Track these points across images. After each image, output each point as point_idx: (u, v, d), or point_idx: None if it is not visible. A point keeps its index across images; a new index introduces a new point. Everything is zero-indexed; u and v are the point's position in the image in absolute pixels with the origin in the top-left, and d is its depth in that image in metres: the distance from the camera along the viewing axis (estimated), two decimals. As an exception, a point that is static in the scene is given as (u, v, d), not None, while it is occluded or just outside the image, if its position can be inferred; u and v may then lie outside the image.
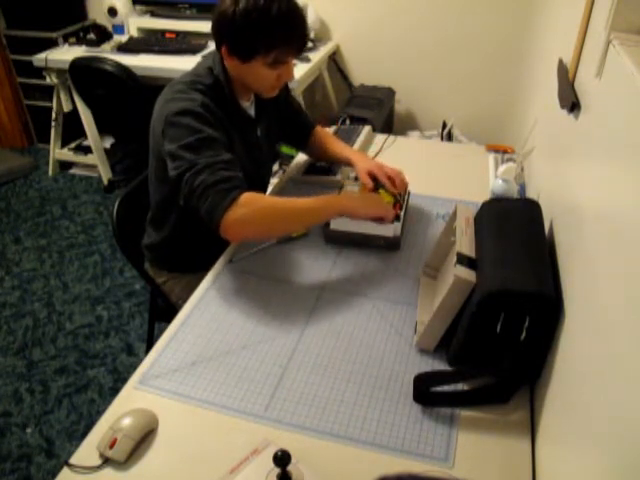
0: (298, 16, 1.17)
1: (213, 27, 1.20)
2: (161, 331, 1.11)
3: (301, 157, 1.78)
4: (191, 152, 1.11)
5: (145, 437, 0.89)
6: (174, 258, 1.47)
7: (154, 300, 1.62)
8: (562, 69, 1.34)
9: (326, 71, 2.92)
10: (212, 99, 1.21)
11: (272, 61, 1.18)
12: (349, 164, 1.50)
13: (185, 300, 1.20)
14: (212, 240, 1.19)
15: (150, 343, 1.73)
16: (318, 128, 1.60)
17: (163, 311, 1.53)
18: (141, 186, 1.46)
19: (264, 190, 1.54)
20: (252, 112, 1.38)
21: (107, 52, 2.72)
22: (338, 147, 1.55)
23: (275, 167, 2.82)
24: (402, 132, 2.80)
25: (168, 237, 1.42)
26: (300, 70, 2.50)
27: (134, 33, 3.02)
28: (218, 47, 1.22)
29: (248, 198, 1.10)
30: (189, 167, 1.10)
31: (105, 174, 3.09)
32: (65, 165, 3.28)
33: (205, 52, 2.75)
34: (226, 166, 1.12)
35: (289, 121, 1.55)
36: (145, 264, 1.51)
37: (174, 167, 1.13)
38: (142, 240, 1.50)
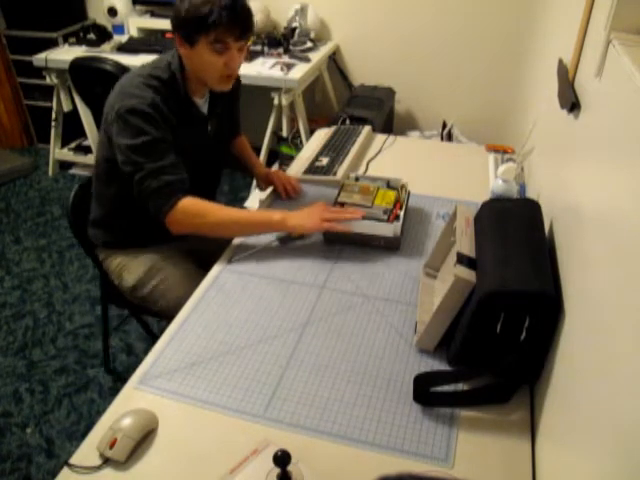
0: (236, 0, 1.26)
1: (171, 22, 1.31)
2: (161, 331, 1.11)
3: (301, 157, 1.78)
4: (137, 154, 1.24)
5: (145, 437, 0.89)
6: (112, 233, 1.49)
7: (104, 282, 1.65)
8: (562, 69, 1.34)
9: (326, 71, 2.93)
10: (165, 95, 1.29)
11: (213, 40, 1.25)
12: (253, 169, 1.68)
13: (119, 277, 1.45)
14: (149, 218, 1.31)
15: (106, 328, 1.82)
16: (242, 137, 1.72)
17: (111, 293, 1.60)
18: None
19: (215, 186, 1.63)
20: (205, 109, 1.44)
21: (107, 52, 2.72)
22: (251, 157, 1.71)
23: (275, 167, 2.82)
24: (402, 132, 2.81)
25: (107, 213, 1.46)
26: (300, 70, 2.50)
27: (134, 33, 3.02)
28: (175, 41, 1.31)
29: (185, 204, 1.26)
30: (136, 170, 1.25)
31: (105, 174, 3.09)
32: (65, 165, 3.28)
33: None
34: (169, 170, 1.26)
35: None
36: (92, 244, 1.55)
37: (122, 163, 1.27)
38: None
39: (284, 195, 1.57)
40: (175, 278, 1.42)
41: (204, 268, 1.32)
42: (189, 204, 1.27)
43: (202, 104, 1.42)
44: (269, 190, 1.62)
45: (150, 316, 1.70)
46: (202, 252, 1.50)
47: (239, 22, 1.26)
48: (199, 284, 1.24)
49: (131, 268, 1.46)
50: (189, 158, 1.34)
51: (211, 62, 1.28)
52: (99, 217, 1.48)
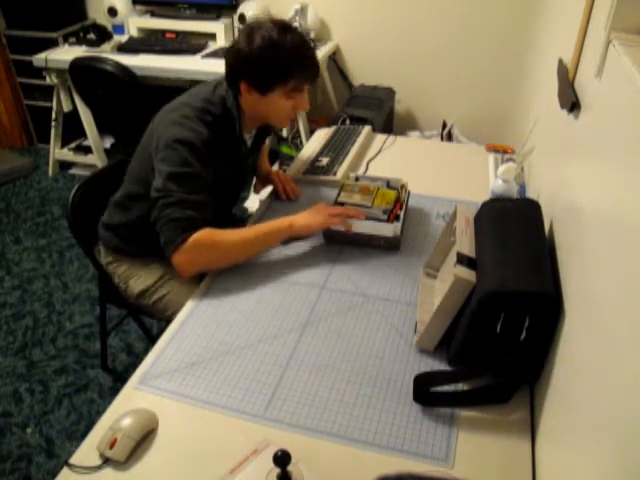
0: (309, 46, 1.29)
1: (229, 66, 1.28)
2: (161, 331, 1.11)
3: (301, 157, 1.78)
4: (173, 182, 1.20)
5: (145, 437, 0.89)
6: (127, 242, 1.47)
7: (102, 283, 1.66)
8: (562, 69, 1.34)
9: (326, 71, 2.93)
10: (218, 132, 1.28)
11: (290, 89, 1.27)
12: (259, 171, 1.69)
13: (126, 283, 1.45)
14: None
15: (104, 328, 1.83)
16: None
17: (110, 294, 1.60)
18: (97, 178, 1.56)
19: (234, 203, 1.63)
20: (249, 143, 1.46)
21: (107, 52, 2.72)
22: (262, 162, 1.70)
23: (275, 167, 2.82)
24: (402, 132, 2.81)
25: (127, 223, 1.44)
26: (300, 70, 2.49)
27: (134, 33, 3.02)
28: (233, 83, 1.29)
29: (197, 240, 1.19)
30: (165, 195, 1.20)
31: (105, 174, 3.09)
32: (65, 165, 3.28)
33: (206, 51, 2.76)
34: (196, 206, 1.21)
35: None
36: (98, 243, 1.54)
37: (155, 188, 1.23)
38: (101, 217, 1.51)
39: (284, 196, 1.56)
40: (182, 289, 1.41)
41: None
42: (201, 237, 1.19)
43: (248, 139, 1.44)
44: (268, 190, 1.62)
45: (149, 318, 1.70)
46: None
47: (314, 67, 1.28)
48: None
49: (140, 276, 1.47)
50: (224, 190, 1.37)
51: (283, 107, 1.30)
52: (117, 224, 1.46)
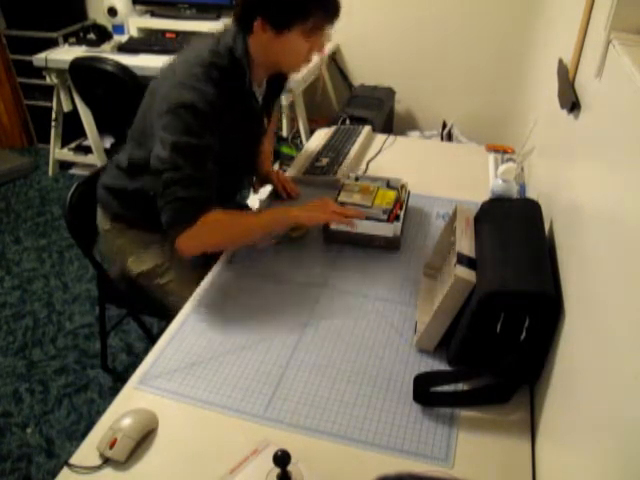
0: None
1: (244, 3, 1.19)
2: (161, 331, 1.11)
3: (301, 157, 1.78)
4: (179, 155, 1.13)
5: (145, 437, 0.89)
6: (127, 208, 1.41)
7: (101, 282, 1.67)
8: (562, 69, 1.34)
9: (326, 71, 2.92)
10: (225, 87, 1.19)
11: (310, 29, 1.18)
12: (259, 171, 1.62)
13: (123, 258, 1.42)
14: None
15: (103, 327, 1.85)
16: (269, 136, 1.64)
17: (109, 293, 1.65)
18: (95, 178, 1.52)
19: (254, 159, 1.53)
20: (260, 97, 1.37)
21: (107, 52, 2.72)
22: (263, 151, 1.61)
23: (275, 167, 2.82)
24: (402, 132, 2.80)
25: (130, 190, 1.37)
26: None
27: (134, 33, 3.02)
28: (246, 22, 1.20)
29: (204, 223, 1.14)
30: (171, 168, 1.13)
31: (105, 174, 3.09)
32: (65, 165, 3.28)
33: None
34: (203, 184, 1.15)
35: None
36: (98, 207, 1.49)
37: (159, 157, 1.14)
38: (102, 177, 1.46)
39: (284, 195, 1.56)
40: (184, 279, 1.40)
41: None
42: (210, 220, 1.15)
43: (259, 94, 1.34)
44: (268, 189, 1.62)
45: (148, 316, 1.71)
46: None
47: (336, 5, 1.19)
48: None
49: (139, 255, 1.43)
50: (239, 153, 1.30)
51: (299, 49, 1.21)
52: (119, 188, 1.39)
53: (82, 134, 3.10)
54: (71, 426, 1.74)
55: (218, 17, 2.92)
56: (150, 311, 1.68)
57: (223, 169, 1.23)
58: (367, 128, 1.91)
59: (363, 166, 1.72)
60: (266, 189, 1.64)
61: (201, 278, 1.27)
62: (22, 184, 3.15)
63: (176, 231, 1.15)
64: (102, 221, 1.48)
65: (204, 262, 1.33)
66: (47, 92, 3.10)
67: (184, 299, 1.20)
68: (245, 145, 1.39)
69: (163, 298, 1.44)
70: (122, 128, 3.03)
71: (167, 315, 1.23)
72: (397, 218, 1.31)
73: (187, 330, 1.11)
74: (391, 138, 1.91)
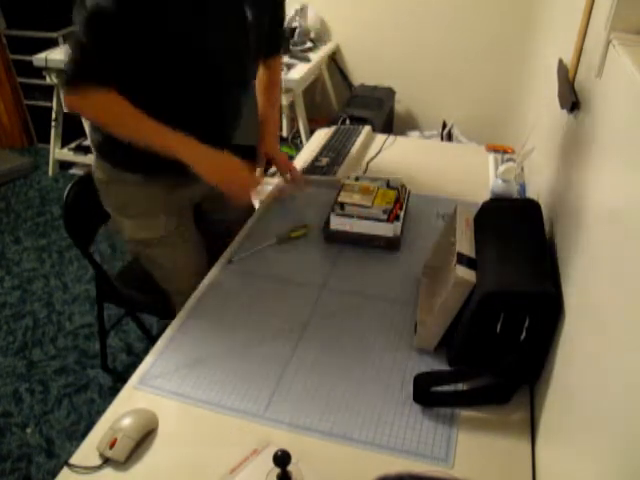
0: None
1: None
2: (161, 331, 1.11)
3: (301, 157, 1.78)
4: (87, 27, 1.03)
5: (145, 437, 0.89)
6: (117, 152, 1.34)
7: (100, 281, 1.68)
8: (562, 69, 1.34)
9: (326, 71, 2.93)
10: None
11: None
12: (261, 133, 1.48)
13: (121, 220, 1.34)
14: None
15: (102, 327, 1.87)
16: (278, 58, 1.45)
17: (109, 293, 1.67)
18: (91, 177, 1.50)
19: (241, 65, 1.25)
20: None
21: (107, 52, 2.72)
22: (265, 103, 1.47)
23: (274, 167, 2.82)
24: (402, 132, 2.81)
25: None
26: (300, 70, 2.50)
27: (134, 33, 3.02)
28: None
29: (94, 98, 1.10)
30: (78, 35, 1.05)
31: (105, 174, 3.09)
32: (65, 165, 3.28)
33: None
34: (104, 57, 1.06)
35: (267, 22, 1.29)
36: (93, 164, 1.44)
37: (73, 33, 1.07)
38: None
39: (287, 177, 1.47)
40: (175, 258, 1.37)
41: (221, 239, 1.27)
42: (100, 98, 1.10)
43: None
44: (267, 190, 1.59)
45: (148, 314, 1.71)
46: (219, 222, 1.47)
47: None
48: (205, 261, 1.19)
49: (141, 225, 1.36)
50: (212, 56, 1.12)
51: None
52: (104, 133, 1.32)
53: (82, 134, 3.10)
54: (71, 426, 1.75)
55: None
56: (149, 309, 1.68)
57: (199, 69, 1.13)
58: (367, 128, 1.91)
59: (363, 166, 1.72)
60: (265, 190, 1.63)
61: (197, 267, 1.25)
62: (22, 184, 3.15)
63: (65, 90, 1.13)
64: (98, 170, 1.41)
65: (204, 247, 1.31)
66: (47, 92, 3.10)
67: (172, 280, 1.17)
68: (214, 39, 1.12)
69: (152, 270, 1.41)
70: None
71: (166, 313, 1.23)
72: (397, 218, 1.31)
73: (187, 330, 1.11)
74: (391, 138, 1.91)
